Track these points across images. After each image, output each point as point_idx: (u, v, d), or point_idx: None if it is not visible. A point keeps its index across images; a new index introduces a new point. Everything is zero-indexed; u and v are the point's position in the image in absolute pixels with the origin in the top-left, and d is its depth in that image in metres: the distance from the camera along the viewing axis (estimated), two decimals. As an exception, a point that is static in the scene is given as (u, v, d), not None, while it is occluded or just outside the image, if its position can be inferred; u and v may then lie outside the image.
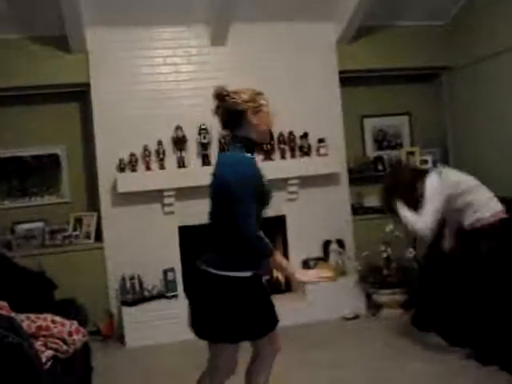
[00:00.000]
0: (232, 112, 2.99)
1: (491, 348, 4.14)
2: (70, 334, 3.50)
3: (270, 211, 6.09)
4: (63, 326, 3.51)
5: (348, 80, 6.35)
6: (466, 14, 6.33)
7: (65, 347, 3.41)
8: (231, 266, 2.87)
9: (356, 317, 5.62)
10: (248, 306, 2.87)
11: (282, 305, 5.62)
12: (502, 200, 5.22)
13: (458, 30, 6.47)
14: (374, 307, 5.75)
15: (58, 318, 3.57)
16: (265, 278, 3.11)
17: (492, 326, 4.16)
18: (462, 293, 4.53)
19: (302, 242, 6.05)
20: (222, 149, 5.80)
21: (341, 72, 6.23)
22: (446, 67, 6.72)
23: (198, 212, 5.74)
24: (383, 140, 6.88)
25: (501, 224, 4.15)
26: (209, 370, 3.07)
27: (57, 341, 3.39)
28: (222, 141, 5.79)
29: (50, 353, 3.30)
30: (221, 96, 3.05)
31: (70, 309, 4.51)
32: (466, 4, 6.29)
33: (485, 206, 4.20)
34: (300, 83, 6.06)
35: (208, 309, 2.87)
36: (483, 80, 6.15)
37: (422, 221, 4.11)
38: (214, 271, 2.89)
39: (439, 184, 4.16)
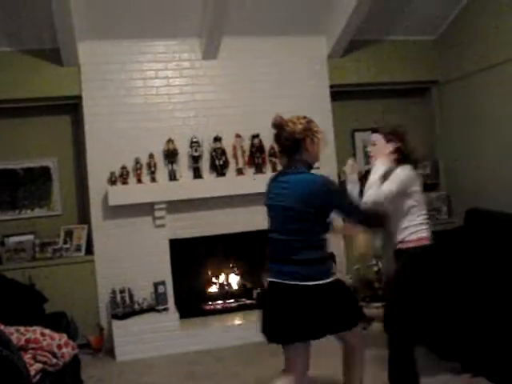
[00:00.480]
0: (291, 140, 3.31)
1: (478, 360, 4.15)
2: (60, 347, 3.48)
3: (259, 225, 6.15)
4: (52, 339, 3.50)
5: (339, 94, 6.39)
6: (455, 29, 6.39)
7: (54, 360, 3.40)
8: (321, 275, 3.21)
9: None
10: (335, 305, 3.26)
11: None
12: (491, 213, 5.29)
13: (447, 44, 6.53)
14: (365, 321, 5.73)
15: (47, 331, 3.56)
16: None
17: (486, 339, 4.17)
18: (455, 305, 4.54)
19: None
20: (213, 162, 5.81)
21: (332, 86, 6.27)
22: (436, 81, 6.78)
23: (190, 225, 5.80)
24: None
25: (423, 251, 3.80)
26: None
27: (46, 354, 3.38)
28: (213, 154, 5.81)
29: (38, 366, 3.28)
30: (280, 126, 3.33)
31: (59, 322, 4.50)
32: (455, 19, 6.35)
33: (418, 226, 3.80)
34: (291, 97, 6.08)
35: (300, 314, 3.22)
36: (473, 94, 6.20)
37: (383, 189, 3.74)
38: (303, 283, 3.18)
39: (410, 174, 3.81)
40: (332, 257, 5.98)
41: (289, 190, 3.27)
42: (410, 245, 3.71)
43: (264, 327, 3.44)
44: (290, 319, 3.24)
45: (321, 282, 3.18)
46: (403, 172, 3.74)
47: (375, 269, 5.72)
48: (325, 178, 3.33)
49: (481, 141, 6.15)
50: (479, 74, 6.03)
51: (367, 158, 6.87)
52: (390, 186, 3.68)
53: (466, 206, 5.94)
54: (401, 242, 3.75)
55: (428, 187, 6.79)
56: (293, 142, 3.31)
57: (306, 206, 3.19)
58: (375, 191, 3.71)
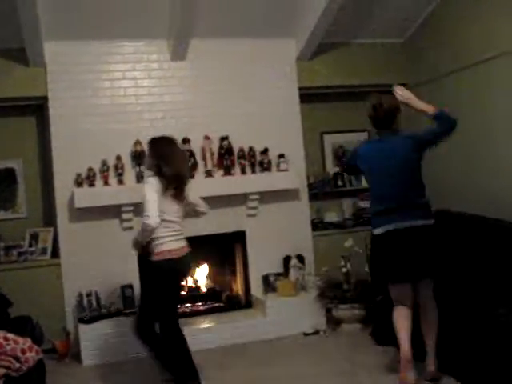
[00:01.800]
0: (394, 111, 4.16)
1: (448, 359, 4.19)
2: (23, 351, 3.40)
3: (230, 226, 6.15)
4: (16, 344, 3.41)
5: (308, 96, 6.41)
6: (423, 32, 6.45)
7: (17, 365, 3.31)
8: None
9: (316, 332, 5.61)
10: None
11: (242, 321, 5.65)
12: (459, 214, 5.34)
13: (416, 47, 6.59)
14: (333, 322, 5.76)
15: (10, 335, 3.47)
16: None
17: (455, 340, 4.21)
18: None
19: (262, 257, 6.04)
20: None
21: (301, 88, 6.28)
22: (405, 84, 6.81)
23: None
24: (343, 156, 6.92)
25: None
26: None
27: (9, 358, 3.29)
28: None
29: (1, 371, 3.20)
30: (380, 103, 4.15)
31: (24, 326, 4.43)
32: (424, 22, 6.41)
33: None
34: (260, 99, 6.09)
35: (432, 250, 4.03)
36: (441, 96, 6.24)
37: None
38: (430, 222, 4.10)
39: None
40: (301, 258, 6.02)
41: (395, 149, 4.10)
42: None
43: (402, 270, 3.97)
44: (429, 255, 3.97)
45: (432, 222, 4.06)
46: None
47: (344, 270, 5.73)
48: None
49: (449, 143, 6.20)
50: (448, 76, 6.09)
51: (336, 160, 6.93)
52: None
53: (436, 207, 5.98)
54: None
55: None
56: (391, 114, 4.13)
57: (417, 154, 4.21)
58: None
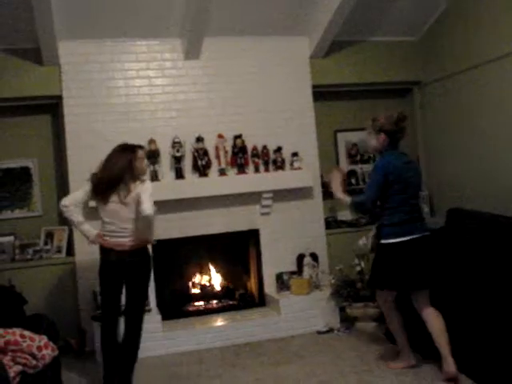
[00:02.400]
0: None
1: (464, 359, 4.17)
2: (40, 348, 3.43)
3: (241, 225, 6.15)
4: (32, 341, 3.44)
5: (321, 94, 6.40)
6: (437, 30, 6.43)
7: (34, 362, 3.34)
8: None
9: (330, 330, 5.60)
10: None
11: (255, 319, 5.66)
12: (472, 212, 5.32)
13: (429, 45, 6.57)
14: (347, 321, 5.75)
15: (27, 333, 3.50)
16: None
17: (466, 337, 4.19)
18: (438, 304, 4.55)
19: (275, 255, 6.04)
20: (195, 162, 5.78)
21: (314, 86, 6.27)
22: (419, 82, 6.81)
23: (172, 226, 5.76)
24: (356, 154, 6.92)
25: None
26: None
27: (26, 356, 3.32)
28: (196, 154, 5.78)
29: (18, 368, 3.23)
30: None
31: (40, 324, 4.44)
32: (438, 20, 6.38)
33: None
34: (274, 97, 6.09)
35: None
36: (454, 94, 6.24)
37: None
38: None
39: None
40: (315, 256, 6.02)
41: (414, 167, 4.46)
42: None
43: (416, 278, 4.20)
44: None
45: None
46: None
47: (358, 269, 5.72)
48: None
49: (462, 141, 6.19)
50: (460, 74, 6.07)
51: (350, 158, 6.91)
52: None
53: (449, 205, 5.97)
54: None
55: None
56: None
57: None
58: None
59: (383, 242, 4.27)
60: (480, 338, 4.13)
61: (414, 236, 4.19)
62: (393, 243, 4.21)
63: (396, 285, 4.29)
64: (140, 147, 4.46)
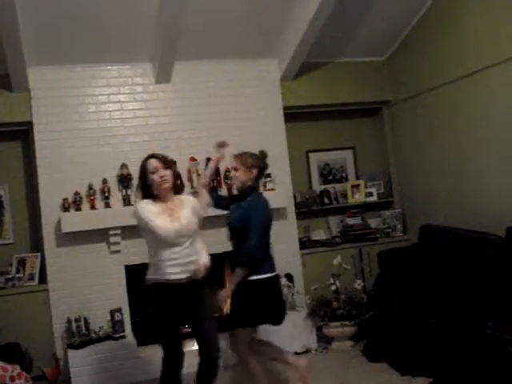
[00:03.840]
0: None
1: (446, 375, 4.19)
2: (13, 378, 3.38)
3: (215, 248, 6.12)
4: (5, 371, 3.40)
5: (292, 115, 6.46)
6: (404, 50, 6.55)
7: (7, 393, 3.29)
8: None
9: (307, 351, 5.59)
10: None
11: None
12: (443, 228, 5.38)
13: (397, 65, 6.68)
14: (324, 340, 5.75)
15: (-1, 363, 3.45)
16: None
17: (446, 353, 4.22)
18: (414, 321, 4.59)
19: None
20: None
21: (285, 108, 6.32)
22: (387, 101, 6.90)
23: (145, 251, 5.71)
24: (329, 174, 6.99)
25: None
26: None
27: (-2, 387, 3.27)
28: (169, 178, 5.76)
29: (-9, 399, 3.18)
30: None
31: (13, 353, 4.38)
32: (405, 40, 6.50)
33: None
34: (245, 119, 6.12)
35: None
36: (422, 113, 6.34)
37: None
38: None
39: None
40: (290, 277, 6.02)
41: None
42: None
43: (276, 314, 4.17)
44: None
45: None
46: None
47: (333, 288, 5.73)
48: None
49: (432, 158, 6.28)
50: (427, 93, 6.18)
51: (323, 177, 6.97)
52: None
53: (420, 222, 6.04)
54: None
55: (382, 205, 6.93)
56: None
57: None
58: None
59: (254, 278, 4.07)
60: (452, 351, 4.16)
61: (275, 273, 4.19)
62: (261, 279, 4.07)
63: (262, 320, 4.18)
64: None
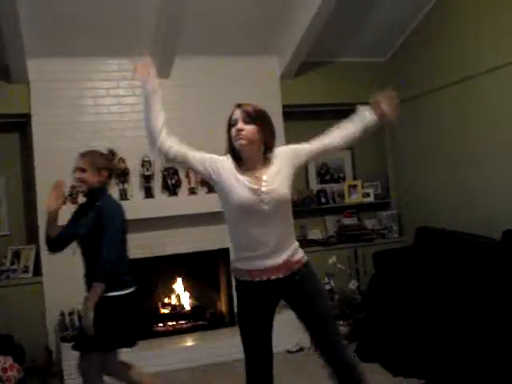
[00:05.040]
0: None
1: (439, 377, 4.20)
2: (5, 370, 3.39)
3: (211, 245, 6.09)
4: (-3, 363, 3.39)
5: (291, 114, 6.45)
6: (404, 51, 6.55)
7: (-2, 384, 3.29)
8: None
9: (300, 349, 5.59)
10: None
11: (225, 339, 5.62)
12: (439, 231, 5.38)
13: (396, 66, 6.69)
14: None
15: (-9, 355, 3.45)
16: None
17: (439, 354, 4.23)
18: (408, 322, 4.59)
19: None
20: (165, 181, 5.78)
21: (284, 106, 6.32)
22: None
23: (141, 245, 5.71)
24: (326, 173, 6.99)
25: None
26: None
27: (-10, 378, 3.27)
28: (165, 173, 5.77)
29: (-18, 391, 3.18)
30: None
31: (6, 345, 4.38)
32: (405, 41, 6.51)
33: None
34: (244, 117, 6.11)
35: None
36: (421, 115, 6.34)
37: None
38: None
39: None
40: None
41: None
42: None
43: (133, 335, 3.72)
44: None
45: None
46: None
47: (327, 287, 5.73)
48: None
49: (430, 160, 6.28)
50: (428, 95, 6.18)
51: (320, 177, 6.96)
52: None
53: (417, 224, 6.04)
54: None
55: (379, 206, 6.93)
56: None
57: None
58: None
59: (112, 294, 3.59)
60: (444, 352, 4.17)
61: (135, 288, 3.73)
62: (119, 296, 3.62)
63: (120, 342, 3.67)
64: None
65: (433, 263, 5.23)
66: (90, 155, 3.71)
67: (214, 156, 3.14)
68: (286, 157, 3.11)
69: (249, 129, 2.97)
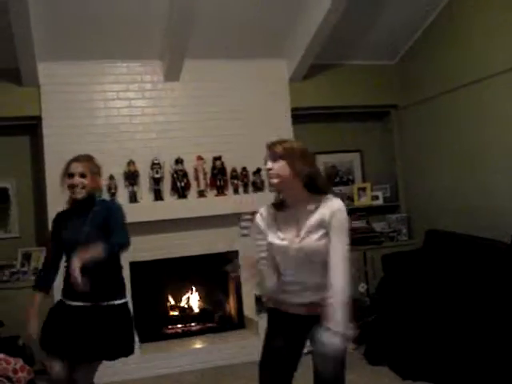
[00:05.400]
0: None
1: (448, 380, 4.19)
2: (15, 371, 3.40)
3: (220, 247, 6.11)
4: (8, 364, 3.42)
5: (300, 117, 6.45)
6: (413, 54, 6.54)
7: (9, 385, 3.31)
8: None
9: (310, 352, 5.57)
10: None
11: (234, 341, 5.63)
12: (449, 234, 5.35)
13: (406, 69, 6.67)
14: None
15: (2, 356, 3.48)
16: None
17: (448, 357, 4.22)
18: (417, 326, 4.58)
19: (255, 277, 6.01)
20: (174, 184, 5.79)
21: (293, 109, 6.32)
22: (396, 105, 6.90)
23: (150, 247, 5.74)
24: (335, 176, 6.98)
25: None
26: None
27: (1, 379, 3.29)
28: (175, 176, 5.79)
29: (-7, 392, 3.20)
30: None
31: (15, 346, 4.39)
32: (414, 45, 6.49)
33: None
34: (253, 120, 6.12)
35: None
36: (430, 118, 6.33)
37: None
38: None
39: None
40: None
41: None
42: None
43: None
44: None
45: None
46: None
47: (362, 291, 5.72)
48: None
49: (440, 163, 6.27)
50: (437, 98, 6.16)
51: (329, 180, 6.95)
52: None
53: (426, 227, 6.02)
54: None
55: (388, 209, 6.91)
56: None
57: None
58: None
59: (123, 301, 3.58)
60: (454, 355, 4.16)
61: None
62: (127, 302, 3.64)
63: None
64: None
65: (442, 266, 5.21)
66: (87, 160, 3.62)
67: (256, 221, 3.10)
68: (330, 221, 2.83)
69: (277, 166, 2.89)
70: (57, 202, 5.47)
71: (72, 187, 3.51)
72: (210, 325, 6.06)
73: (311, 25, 5.68)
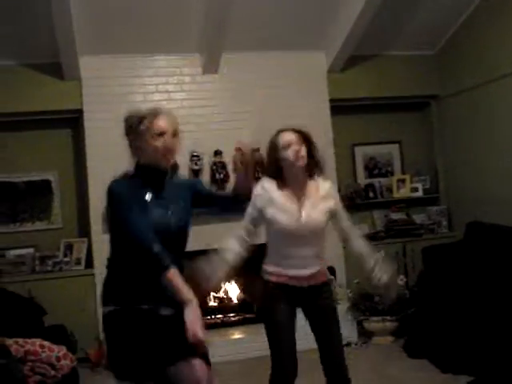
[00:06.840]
0: None
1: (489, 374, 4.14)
2: (58, 359, 3.48)
3: (261, 238, 6.11)
4: (51, 351, 3.49)
5: (339, 108, 6.41)
6: (454, 44, 6.44)
7: (52, 372, 3.39)
8: None
9: (347, 344, 5.57)
10: None
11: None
12: (491, 226, 5.27)
13: (446, 59, 6.58)
14: (365, 335, 5.72)
15: (46, 343, 3.55)
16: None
17: (488, 351, 4.17)
18: (457, 319, 4.54)
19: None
20: (213, 176, 5.83)
21: (332, 100, 6.30)
22: (436, 96, 6.81)
23: (191, 238, 5.77)
24: (374, 168, 6.93)
25: None
26: None
27: (45, 366, 3.37)
28: (214, 168, 5.82)
29: (37, 377, 3.28)
30: None
31: (59, 335, 4.49)
32: (455, 33, 6.40)
33: None
34: (291, 111, 6.09)
35: None
36: (471, 108, 6.23)
37: None
38: None
39: None
40: (332, 270, 6.00)
41: None
42: None
43: None
44: None
45: None
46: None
47: (401, 283, 5.68)
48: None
49: (480, 154, 6.17)
50: (479, 88, 6.06)
51: (368, 171, 6.92)
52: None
53: (467, 219, 5.95)
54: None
55: (428, 201, 6.83)
56: None
57: None
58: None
59: None
60: (495, 349, 4.11)
61: None
62: None
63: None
64: None
65: (484, 259, 5.14)
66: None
67: (255, 194, 3.30)
68: (334, 197, 3.28)
69: (303, 149, 3.15)
70: (98, 192, 5.60)
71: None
72: (248, 315, 6.09)
73: (350, 15, 5.65)
